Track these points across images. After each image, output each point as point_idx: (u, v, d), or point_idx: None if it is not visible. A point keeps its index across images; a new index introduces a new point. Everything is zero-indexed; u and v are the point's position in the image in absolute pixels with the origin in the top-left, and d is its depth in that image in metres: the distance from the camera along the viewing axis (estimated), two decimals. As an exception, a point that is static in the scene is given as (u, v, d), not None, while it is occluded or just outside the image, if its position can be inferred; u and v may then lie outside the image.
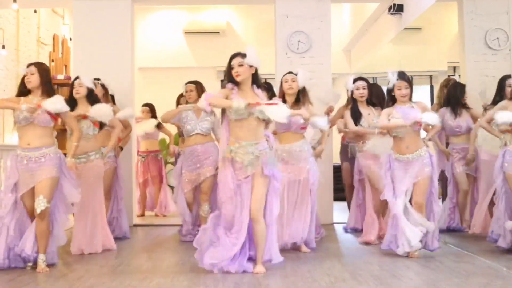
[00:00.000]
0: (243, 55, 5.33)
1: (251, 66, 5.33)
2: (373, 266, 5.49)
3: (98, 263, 5.80)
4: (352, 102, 7.11)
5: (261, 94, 5.39)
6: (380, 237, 6.78)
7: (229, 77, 5.39)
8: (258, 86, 5.44)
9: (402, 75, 6.04)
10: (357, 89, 7.02)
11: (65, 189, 5.64)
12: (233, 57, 5.37)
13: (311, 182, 6.42)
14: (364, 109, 7.04)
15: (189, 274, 5.20)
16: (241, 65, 5.31)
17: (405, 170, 5.94)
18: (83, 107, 6.56)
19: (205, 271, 5.22)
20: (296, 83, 6.44)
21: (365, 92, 6.98)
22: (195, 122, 7.04)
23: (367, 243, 6.78)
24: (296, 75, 6.47)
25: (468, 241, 6.80)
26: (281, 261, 5.38)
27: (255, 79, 5.42)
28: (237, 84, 5.36)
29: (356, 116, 7.08)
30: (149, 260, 5.98)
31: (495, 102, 6.78)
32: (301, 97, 6.47)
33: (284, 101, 6.45)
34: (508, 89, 6.51)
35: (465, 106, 7.30)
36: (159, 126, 9.61)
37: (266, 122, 5.39)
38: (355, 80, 7.08)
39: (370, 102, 7.08)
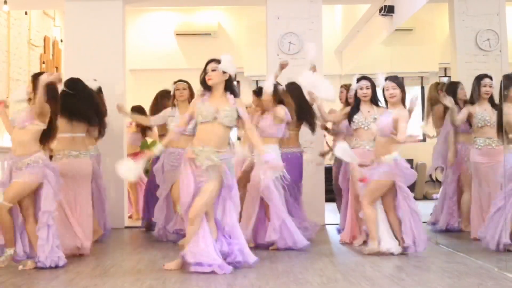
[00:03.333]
0: (218, 61, 5.48)
1: (224, 73, 5.46)
2: (365, 267, 5.50)
3: (90, 264, 5.78)
4: (355, 101, 7.09)
5: (231, 100, 5.48)
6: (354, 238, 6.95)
7: (202, 82, 5.52)
8: (231, 92, 5.54)
9: (390, 77, 6.13)
10: (360, 89, 6.99)
11: (43, 198, 5.62)
12: (208, 62, 5.51)
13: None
14: (365, 107, 7.00)
15: (181, 275, 5.19)
16: (214, 70, 5.45)
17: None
18: None
19: (197, 273, 5.21)
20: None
21: (369, 92, 6.92)
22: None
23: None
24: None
25: (459, 241, 6.83)
26: (255, 261, 5.45)
27: (229, 85, 5.54)
28: (209, 89, 5.50)
29: (354, 113, 7.04)
30: (141, 262, 5.97)
31: (471, 101, 6.85)
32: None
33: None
34: (483, 89, 6.59)
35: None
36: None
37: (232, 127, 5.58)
38: (358, 80, 7.06)
39: (374, 101, 7.03)
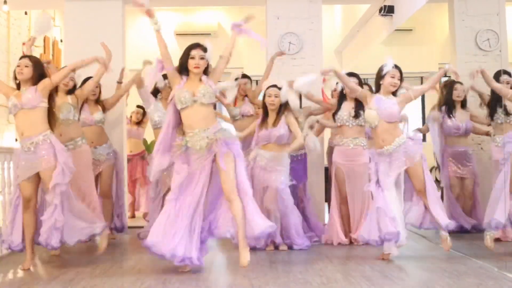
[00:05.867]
0: (204, 48, 5.47)
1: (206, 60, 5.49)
2: (365, 267, 5.50)
3: (90, 264, 5.77)
4: (340, 98, 7.06)
5: (205, 79, 5.46)
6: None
7: (183, 66, 5.48)
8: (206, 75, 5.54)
9: (398, 67, 6.07)
10: None
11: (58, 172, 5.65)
12: (193, 47, 5.48)
13: (280, 191, 6.47)
14: (349, 104, 6.98)
15: (181, 276, 5.19)
16: (202, 58, 5.44)
17: (389, 163, 5.88)
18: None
19: (197, 273, 5.22)
20: (279, 99, 6.57)
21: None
22: (163, 114, 6.95)
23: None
24: (280, 89, 6.55)
25: (459, 242, 6.82)
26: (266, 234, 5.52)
27: (206, 70, 5.55)
28: (187, 74, 5.47)
29: (337, 109, 7.02)
30: (140, 262, 5.96)
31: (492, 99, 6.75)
32: (282, 109, 6.58)
33: (266, 112, 6.60)
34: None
35: (462, 106, 7.29)
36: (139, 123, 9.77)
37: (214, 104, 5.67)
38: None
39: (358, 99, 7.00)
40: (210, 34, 13.23)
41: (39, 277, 5.25)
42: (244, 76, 7.83)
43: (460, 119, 7.27)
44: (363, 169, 6.78)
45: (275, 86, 6.65)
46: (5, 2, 9.34)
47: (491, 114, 6.81)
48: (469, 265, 5.49)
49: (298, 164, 7.02)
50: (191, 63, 5.42)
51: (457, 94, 7.29)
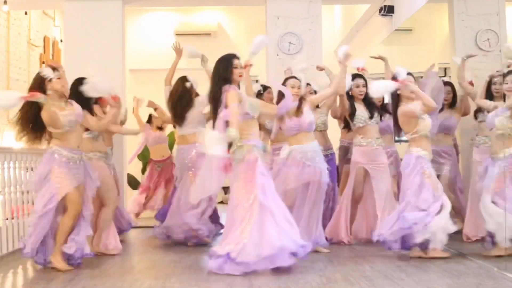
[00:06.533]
0: (239, 57, 5.66)
1: None
2: (365, 267, 5.50)
3: (90, 265, 5.77)
4: (349, 99, 7.02)
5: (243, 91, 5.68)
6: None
7: (227, 77, 5.55)
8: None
9: (410, 74, 6.17)
10: (356, 86, 6.98)
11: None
12: (233, 57, 5.63)
13: (324, 184, 6.31)
14: (361, 105, 6.97)
15: (181, 276, 5.20)
16: (242, 67, 5.62)
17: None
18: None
19: (197, 273, 5.21)
20: (300, 90, 6.39)
21: (365, 90, 6.92)
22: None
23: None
24: (300, 80, 6.47)
25: (459, 242, 6.81)
26: None
27: None
28: (230, 84, 5.55)
29: (352, 112, 6.99)
30: (140, 262, 5.97)
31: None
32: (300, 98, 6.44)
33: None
34: (492, 87, 6.55)
35: (450, 106, 7.32)
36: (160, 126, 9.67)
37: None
38: (353, 77, 7.03)
39: (367, 100, 6.99)
40: (210, 34, 13.24)
41: (39, 277, 5.25)
42: (266, 87, 7.78)
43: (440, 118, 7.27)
44: (386, 169, 6.82)
45: (294, 77, 6.52)
46: (5, 2, 9.34)
47: (475, 113, 6.84)
48: (468, 265, 5.49)
49: (328, 163, 6.66)
50: (236, 72, 5.57)
51: (444, 97, 7.32)
